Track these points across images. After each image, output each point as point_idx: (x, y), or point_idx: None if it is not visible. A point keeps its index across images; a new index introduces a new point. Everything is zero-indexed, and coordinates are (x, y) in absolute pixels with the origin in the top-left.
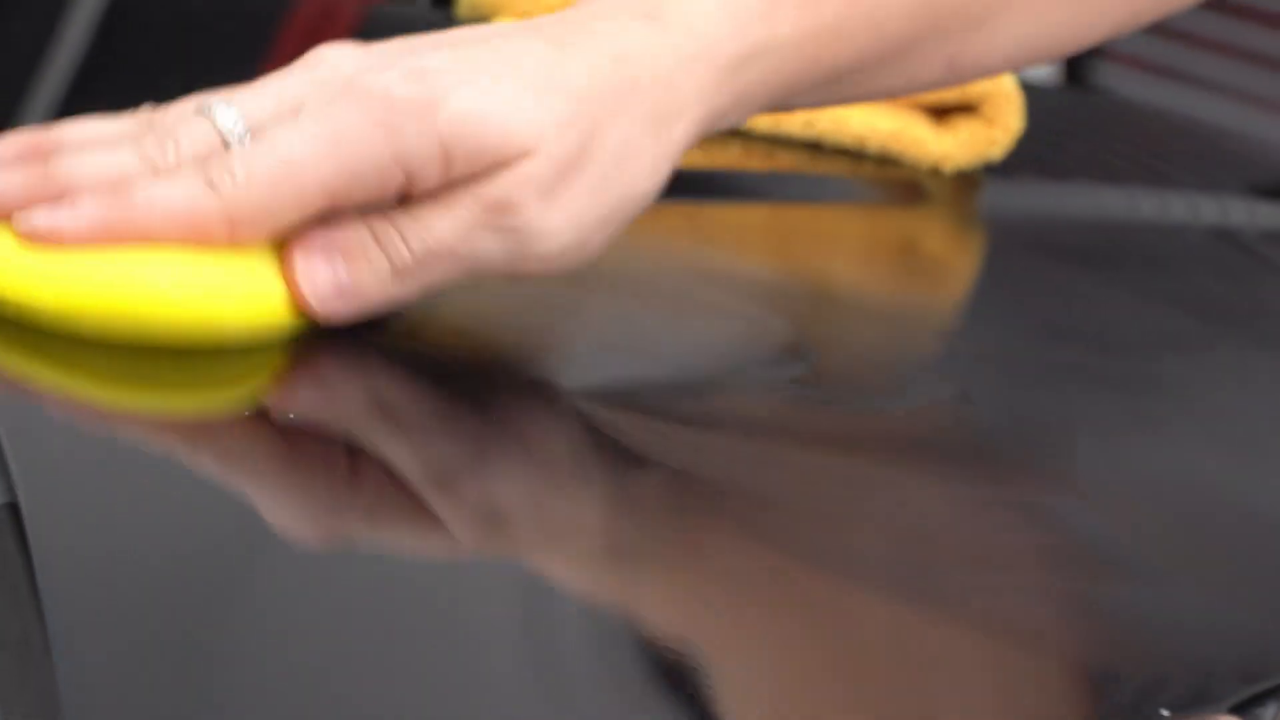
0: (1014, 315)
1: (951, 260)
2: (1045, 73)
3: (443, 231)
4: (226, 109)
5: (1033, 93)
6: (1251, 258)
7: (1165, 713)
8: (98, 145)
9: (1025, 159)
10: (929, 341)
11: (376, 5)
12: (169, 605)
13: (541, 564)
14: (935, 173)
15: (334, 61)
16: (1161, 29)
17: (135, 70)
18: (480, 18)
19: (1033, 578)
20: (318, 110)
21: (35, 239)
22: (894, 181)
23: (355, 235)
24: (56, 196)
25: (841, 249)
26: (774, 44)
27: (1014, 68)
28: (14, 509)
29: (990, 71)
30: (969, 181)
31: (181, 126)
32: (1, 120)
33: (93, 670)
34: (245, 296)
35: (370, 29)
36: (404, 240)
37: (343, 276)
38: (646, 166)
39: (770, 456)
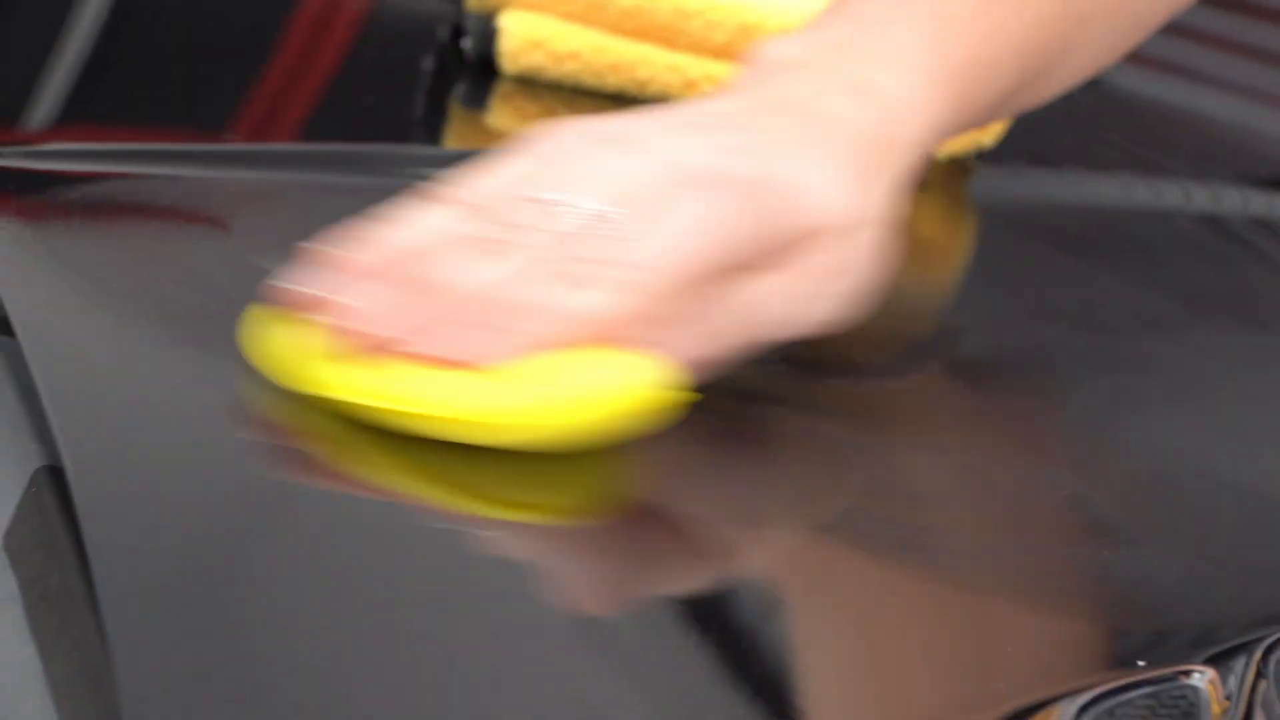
0: (1003, 296)
1: (943, 243)
2: None
3: (769, 303)
4: (580, 199)
5: None
6: (1239, 244)
7: (1141, 663)
8: (454, 249)
9: (1017, 147)
10: (921, 320)
11: None
12: (212, 555)
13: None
14: (928, 159)
15: (649, 140)
16: (1169, 25)
17: (142, 65)
18: (488, 9)
19: (1017, 540)
20: (681, 198)
21: (474, 364)
22: None
23: (706, 312)
24: (464, 318)
25: None
26: (942, 120)
27: (1057, 97)
28: (52, 470)
29: (1039, 106)
30: (961, 168)
31: (536, 220)
32: (9, 115)
33: (138, 618)
34: (645, 386)
35: (375, 24)
36: (739, 315)
37: (693, 349)
38: (886, 236)
39: (768, 426)
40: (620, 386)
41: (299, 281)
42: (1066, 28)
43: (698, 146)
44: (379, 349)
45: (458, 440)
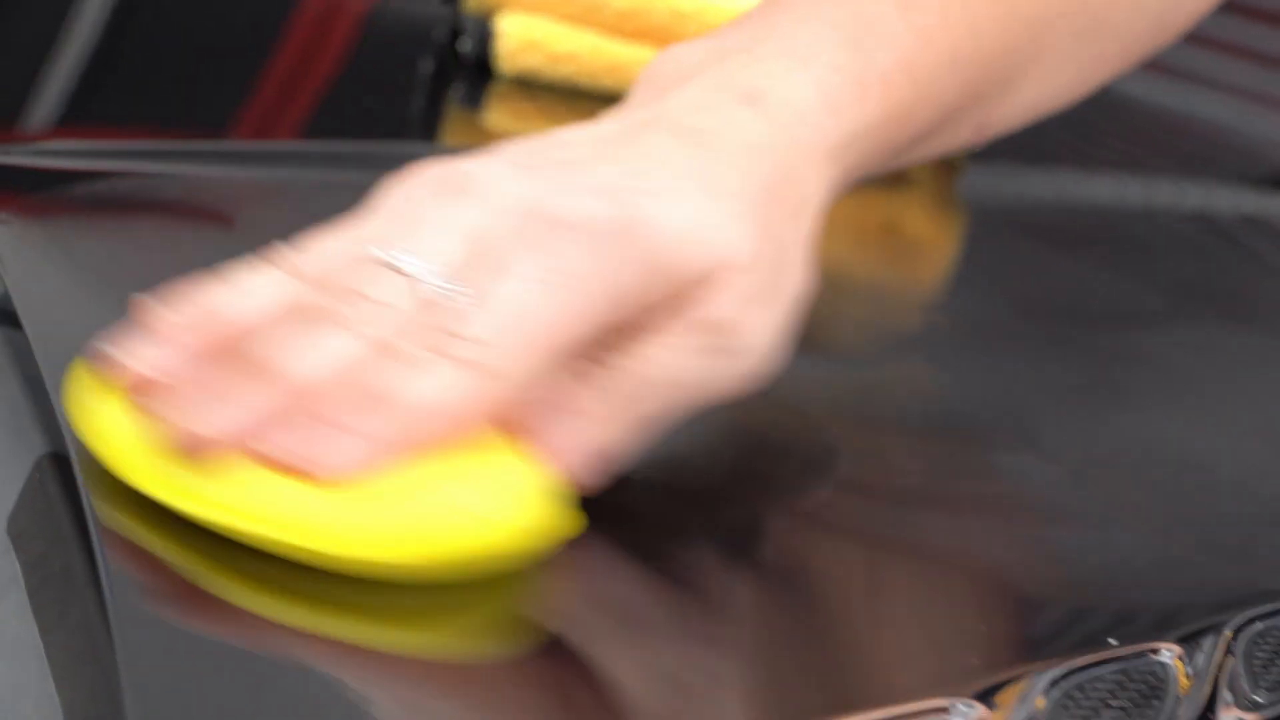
0: (988, 290)
1: (931, 240)
2: None
3: (665, 366)
4: (419, 261)
5: None
6: (1229, 242)
7: (1113, 641)
8: (285, 324)
9: (1007, 146)
10: (906, 314)
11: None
12: (212, 539)
13: None
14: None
15: (499, 185)
16: None
17: (143, 66)
18: (486, 11)
19: (994, 523)
20: (529, 253)
21: (317, 477)
22: None
23: (589, 394)
24: (303, 412)
25: (829, 230)
26: (863, 129)
27: (1027, 124)
28: (56, 458)
29: (1006, 130)
30: (950, 167)
31: (373, 288)
32: (11, 115)
33: (140, 600)
34: (535, 497)
35: (374, 26)
36: (632, 386)
37: (588, 439)
38: (800, 265)
39: (757, 415)
40: (493, 507)
41: (123, 351)
42: (1013, 39)
43: (548, 189)
44: (208, 446)
45: (305, 562)
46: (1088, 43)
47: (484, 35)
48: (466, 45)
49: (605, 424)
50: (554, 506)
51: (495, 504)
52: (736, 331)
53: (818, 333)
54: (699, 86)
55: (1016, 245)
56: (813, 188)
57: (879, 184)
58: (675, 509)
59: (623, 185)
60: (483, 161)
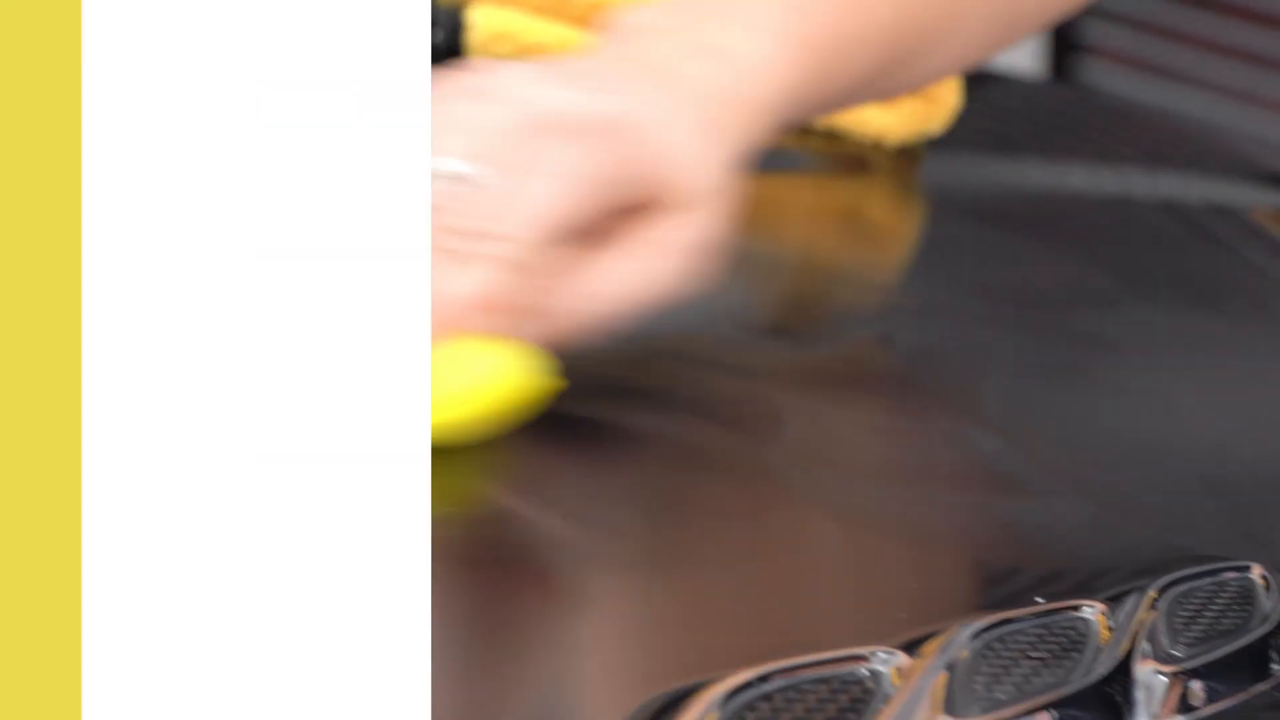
0: (943, 272)
1: (891, 225)
2: (1027, 67)
3: (635, 279)
4: (446, 161)
5: (1001, 84)
6: (1193, 230)
7: (1040, 600)
8: None
9: (971, 135)
10: (861, 294)
11: None
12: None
13: None
14: (878, 147)
15: (513, 92)
16: (1147, 25)
17: None
18: (457, 3)
19: (937, 490)
20: (544, 151)
21: None
22: (839, 155)
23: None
24: None
25: (790, 215)
26: (797, 85)
27: (934, 84)
28: None
29: (924, 87)
30: (910, 156)
31: None
32: None
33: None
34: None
35: None
36: (597, 286)
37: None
38: (730, 200)
39: (708, 387)
40: (498, 380)
41: None
42: (934, 14)
43: (557, 93)
44: None
45: None
46: (992, 22)
47: (455, 27)
48: (438, 36)
49: (563, 314)
50: (541, 368)
51: (511, 365)
52: (679, 248)
53: (772, 308)
54: (665, 41)
55: (973, 230)
56: (748, 134)
57: (840, 171)
58: (627, 468)
59: (617, 94)
60: (491, 74)
